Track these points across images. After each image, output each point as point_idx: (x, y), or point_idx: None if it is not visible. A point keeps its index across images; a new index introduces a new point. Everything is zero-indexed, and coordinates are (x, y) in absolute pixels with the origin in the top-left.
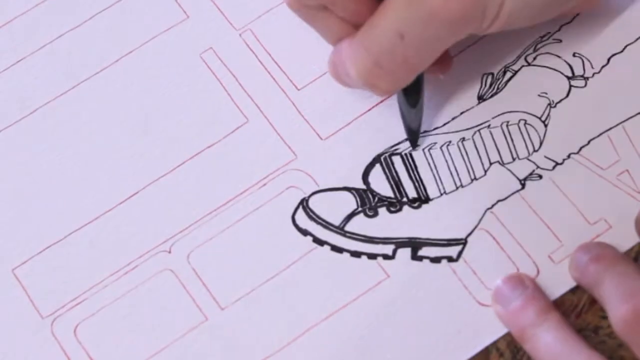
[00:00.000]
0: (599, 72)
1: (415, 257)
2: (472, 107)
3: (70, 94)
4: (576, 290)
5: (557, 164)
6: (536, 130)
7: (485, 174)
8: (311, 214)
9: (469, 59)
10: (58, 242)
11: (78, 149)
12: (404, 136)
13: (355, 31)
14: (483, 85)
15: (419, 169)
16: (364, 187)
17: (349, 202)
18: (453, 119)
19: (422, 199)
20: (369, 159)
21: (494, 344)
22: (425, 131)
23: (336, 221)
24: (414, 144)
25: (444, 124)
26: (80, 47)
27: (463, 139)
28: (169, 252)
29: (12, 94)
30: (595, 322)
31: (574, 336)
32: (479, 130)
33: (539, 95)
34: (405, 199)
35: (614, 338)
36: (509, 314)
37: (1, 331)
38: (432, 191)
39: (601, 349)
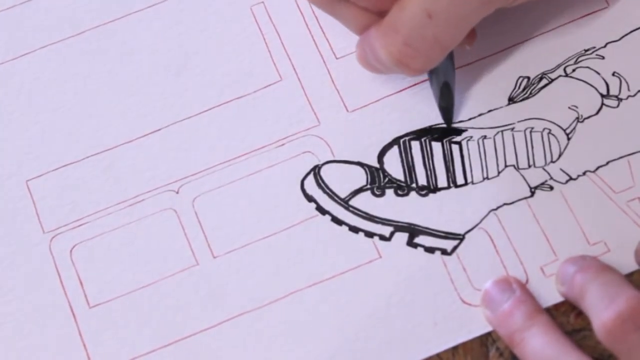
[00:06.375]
0: (634, 95)
1: (410, 243)
2: (501, 107)
3: (119, 22)
4: None
5: (571, 178)
6: (558, 142)
7: (498, 175)
8: (320, 182)
9: (508, 58)
10: (74, 163)
11: (113, 76)
12: (429, 124)
13: (378, 19)
14: (517, 88)
15: (434, 159)
16: (377, 165)
17: (360, 178)
18: (479, 115)
19: (430, 188)
20: (389, 139)
21: (494, 343)
22: None
23: (343, 194)
24: (449, 122)
25: (469, 119)
26: None
27: (484, 137)
28: (177, 192)
29: (65, 13)
30: None
31: (563, 339)
32: (502, 131)
33: (569, 108)
34: (414, 185)
35: None
36: (497, 318)
37: (3, 238)
38: (441, 182)
39: (600, 349)
